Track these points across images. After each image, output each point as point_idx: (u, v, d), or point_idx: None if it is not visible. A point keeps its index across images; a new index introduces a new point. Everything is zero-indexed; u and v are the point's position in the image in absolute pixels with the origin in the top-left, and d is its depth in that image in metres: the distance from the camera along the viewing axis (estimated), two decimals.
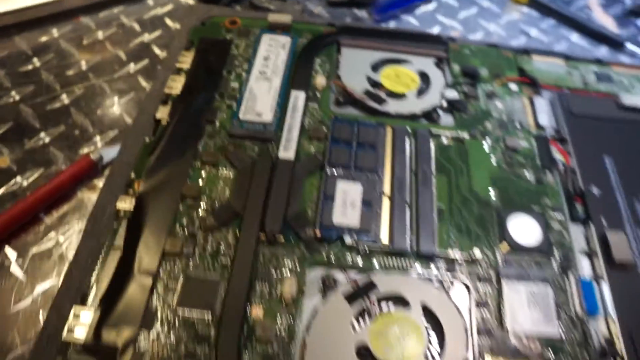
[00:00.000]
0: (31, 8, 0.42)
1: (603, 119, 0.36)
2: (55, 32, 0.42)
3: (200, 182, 0.30)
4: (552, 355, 0.26)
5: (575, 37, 0.47)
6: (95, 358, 0.24)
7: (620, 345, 0.26)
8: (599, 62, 0.41)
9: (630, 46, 0.47)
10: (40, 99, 0.37)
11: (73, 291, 0.26)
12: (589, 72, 0.40)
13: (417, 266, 0.28)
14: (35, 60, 0.40)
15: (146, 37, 0.42)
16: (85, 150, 0.34)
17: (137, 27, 0.43)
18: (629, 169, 0.33)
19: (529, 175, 0.32)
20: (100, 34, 0.42)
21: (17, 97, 0.37)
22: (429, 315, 0.26)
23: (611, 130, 0.36)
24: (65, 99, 0.37)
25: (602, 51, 0.46)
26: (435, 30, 0.46)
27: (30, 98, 0.37)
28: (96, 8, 0.44)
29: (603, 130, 0.35)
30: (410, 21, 0.46)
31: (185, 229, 0.28)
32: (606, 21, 0.49)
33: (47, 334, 0.25)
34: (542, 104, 0.36)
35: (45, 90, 0.38)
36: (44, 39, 0.41)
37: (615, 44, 0.47)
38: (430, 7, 0.48)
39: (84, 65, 0.40)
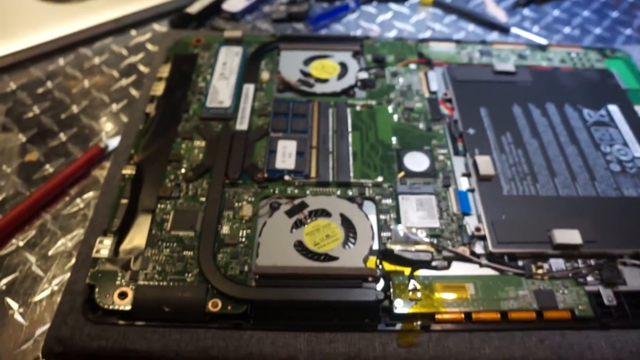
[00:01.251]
0: (41, 45, 0.53)
1: (480, 82, 0.48)
2: (61, 61, 0.54)
3: (181, 151, 0.41)
4: (435, 240, 0.37)
5: (471, 27, 0.59)
6: (115, 266, 0.35)
7: (484, 231, 0.37)
8: (483, 42, 0.53)
9: (515, 30, 0.59)
10: (56, 110, 0.49)
11: (97, 230, 0.37)
12: (474, 51, 0.52)
13: (338, 192, 0.39)
14: (48, 83, 0.51)
15: (132, 58, 0.54)
16: (94, 143, 0.46)
17: (124, 52, 0.55)
18: (498, 114, 0.45)
19: (421, 125, 0.44)
20: (97, 60, 0.54)
21: (38, 111, 0.49)
22: (346, 221, 0.37)
23: (486, 89, 0.47)
24: (75, 109, 0.49)
25: (493, 36, 0.58)
26: (357, 33, 0.58)
27: (48, 111, 0.49)
28: (92, 40, 0.56)
29: (480, 90, 0.47)
30: (338, 28, 0.58)
31: (173, 182, 0.39)
32: (497, 12, 0.61)
33: (81, 259, 0.36)
34: (434, 76, 0.48)
35: (59, 104, 0.49)
36: (53, 67, 0.53)
37: (503, 29, 0.59)
38: (354, 15, 0.60)
39: (86, 84, 0.51)
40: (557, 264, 0.36)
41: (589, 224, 0.37)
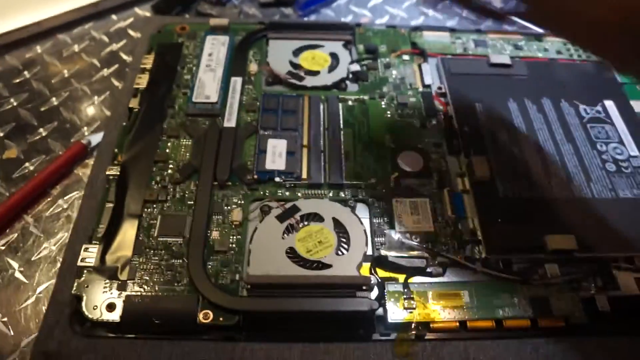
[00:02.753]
0: (16, 30, 0.51)
1: (476, 75, 0.47)
2: (38, 48, 0.51)
3: (167, 150, 0.40)
4: (430, 245, 0.36)
5: (465, 13, 0.58)
6: (102, 275, 0.34)
7: (480, 236, 0.37)
8: (478, 31, 0.52)
9: (510, 17, 0.57)
10: (34, 103, 0.47)
11: (81, 236, 0.36)
12: (469, 41, 0.51)
13: (330, 194, 0.38)
14: (25, 73, 0.49)
15: (114, 46, 0.52)
16: (76, 138, 0.44)
17: (105, 38, 0.53)
18: (493, 111, 0.44)
19: (415, 122, 0.43)
20: (76, 47, 0.52)
21: (15, 103, 0.47)
22: (339, 225, 0.36)
23: (482, 83, 0.46)
24: (54, 101, 0.47)
25: (488, 23, 0.57)
26: (348, 19, 0.56)
27: (26, 103, 0.47)
28: (70, 26, 0.53)
29: (475, 84, 0.46)
30: (328, 13, 0.56)
31: (159, 184, 0.38)
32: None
33: (65, 266, 0.35)
34: (428, 68, 0.47)
35: (37, 95, 0.47)
36: (30, 55, 0.51)
37: (498, 16, 0.58)
38: (343, 0, 0.58)
39: (66, 73, 0.49)
40: (552, 269, 0.35)
41: (584, 228, 0.36)
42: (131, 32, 0.53)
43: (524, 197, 0.38)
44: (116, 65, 0.50)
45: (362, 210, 0.38)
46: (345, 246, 0.35)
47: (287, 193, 0.38)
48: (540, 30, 0.55)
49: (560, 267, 0.35)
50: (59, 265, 0.36)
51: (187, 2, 0.55)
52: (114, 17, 0.55)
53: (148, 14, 0.55)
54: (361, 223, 0.36)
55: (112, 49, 0.52)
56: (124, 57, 0.51)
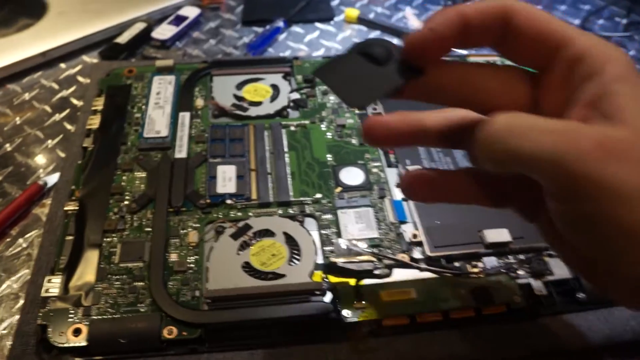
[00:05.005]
0: None
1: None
2: None
3: (123, 182, 0.42)
4: (376, 249, 0.39)
5: (395, 41, 0.62)
6: (67, 303, 0.35)
7: (421, 237, 0.40)
8: None
9: None
10: None
11: (43, 269, 0.38)
12: None
13: (280, 211, 0.41)
14: None
15: (64, 92, 0.54)
16: (32, 181, 0.46)
17: (55, 85, 0.55)
18: None
19: (354, 141, 0.47)
20: (27, 95, 0.54)
21: None
22: (289, 238, 0.39)
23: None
24: (8, 147, 0.49)
25: None
26: (287, 53, 0.60)
27: None
28: (19, 76, 0.55)
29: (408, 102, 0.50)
30: (270, 50, 0.60)
31: (117, 214, 0.40)
32: (419, 26, 0.65)
33: (29, 299, 0.36)
34: None
35: None
36: None
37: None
38: (282, 36, 0.62)
39: (18, 121, 0.51)
40: (490, 261, 0.39)
41: (516, 221, 0.40)
42: (80, 79, 0.56)
43: None
44: (68, 110, 0.52)
45: (311, 224, 0.41)
46: (297, 257, 0.38)
47: (239, 213, 0.41)
48: (464, 52, 0.60)
49: (497, 259, 0.39)
50: (21, 302, 0.37)
51: (133, 48, 0.58)
52: (62, 65, 0.57)
53: (95, 61, 0.58)
54: (310, 235, 0.39)
55: (62, 95, 0.54)
56: (75, 102, 0.53)
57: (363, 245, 0.39)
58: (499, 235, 0.39)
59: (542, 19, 0.23)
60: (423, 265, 0.38)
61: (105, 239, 0.39)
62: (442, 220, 0.40)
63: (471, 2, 0.23)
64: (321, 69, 0.25)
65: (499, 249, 0.39)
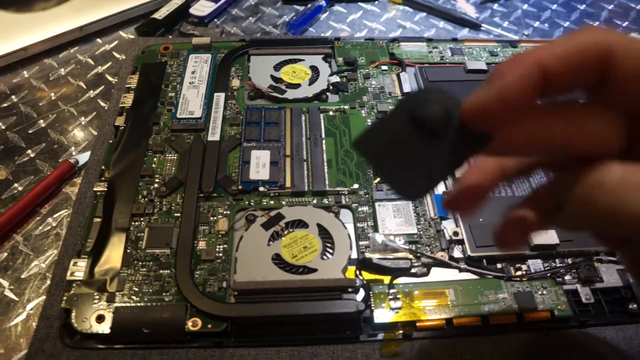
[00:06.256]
0: (2, 57, 0.52)
1: (453, 82, 0.48)
2: (25, 73, 0.52)
3: (153, 165, 0.41)
4: (413, 246, 0.37)
5: (442, 24, 0.59)
6: (91, 288, 0.34)
7: (462, 235, 0.38)
8: (454, 40, 0.53)
9: (485, 26, 0.59)
10: (22, 125, 0.48)
11: (70, 251, 0.37)
12: (445, 49, 0.52)
13: (314, 201, 0.39)
14: (13, 97, 0.50)
15: (100, 68, 0.53)
16: (64, 158, 0.45)
17: (91, 61, 0.54)
18: None
19: None
20: (62, 71, 0.53)
21: (3, 127, 0.48)
22: (323, 230, 0.37)
23: (459, 88, 0.47)
24: (42, 123, 0.48)
25: (464, 32, 0.58)
26: (329, 33, 0.57)
27: (14, 126, 0.48)
28: (56, 50, 0.54)
29: (453, 89, 0.47)
30: (310, 30, 0.58)
31: (146, 197, 0.39)
32: (467, 8, 0.62)
33: (55, 282, 0.35)
34: (406, 77, 0.48)
35: (25, 118, 0.48)
36: (17, 79, 0.52)
37: (474, 25, 0.59)
38: (323, 15, 0.60)
39: (53, 96, 0.50)
40: (536, 264, 0.36)
41: None
42: (116, 54, 0.55)
43: (505, 195, 0.39)
44: (102, 87, 0.51)
45: (346, 216, 0.39)
46: (330, 250, 0.36)
47: (272, 202, 0.39)
48: (514, 37, 0.56)
49: (543, 262, 0.36)
50: (48, 282, 0.36)
51: (170, 24, 0.57)
52: (98, 40, 0.56)
53: (132, 36, 0.56)
54: (345, 227, 0.37)
55: (97, 71, 0.53)
56: (110, 78, 0.52)
57: (400, 242, 0.37)
58: (546, 237, 0.36)
59: None
60: (463, 265, 0.36)
61: (133, 223, 0.37)
62: (486, 218, 0.38)
63: (553, 43, 0.18)
64: (363, 139, 0.20)
65: (545, 251, 0.37)
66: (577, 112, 0.19)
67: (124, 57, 0.52)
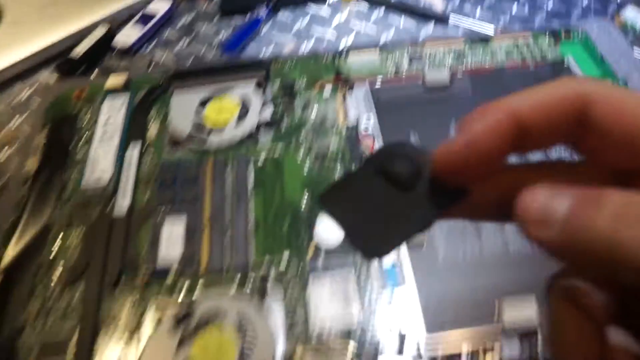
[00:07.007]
0: None
1: (409, 102, 0.40)
2: None
3: (53, 249, 0.34)
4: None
5: (402, 22, 0.51)
6: None
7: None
8: (413, 44, 0.45)
9: (453, 17, 0.50)
10: None
11: None
12: (402, 57, 0.44)
13: (236, 278, 0.32)
14: None
15: (18, 120, 0.47)
16: None
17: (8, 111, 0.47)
18: (432, 140, 0.37)
19: (340, 170, 0.37)
20: None
21: None
22: (242, 325, 0.30)
23: (417, 109, 0.40)
24: None
25: (429, 29, 0.50)
26: (270, 48, 0.50)
27: None
28: None
29: (409, 111, 0.40)
30: (251, 45, 0.50)
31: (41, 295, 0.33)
32: (433, 0, 0.53)
33: None
34: (354, 100, 0.41)
35: None
36: None
37: (440, 19, 0.51)
38: (266, 27, 0.52)
39: None
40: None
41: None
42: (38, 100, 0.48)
43: (471, 255, 0.32)
44: (16, 144, 0.45)
45: (274, 294, 0.32)
46: (252, 347, 0.30)
47: (186, 286, 0.32)
48: (490, 30, 0.48)
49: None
50: None
51: (95, 58, 0.50)
52: (16, 86, 0.49)
53: (54, 77, 0.49)
54: (271, 317, 0.31)
55: (16, 124, 0.46)
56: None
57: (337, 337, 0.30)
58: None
59: (630, 113, 0.16)
60: None
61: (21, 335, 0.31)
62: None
63: (526, 92, 0.16)
64: (327, 195, 0.18)
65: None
66: (563, 166, 0.18)
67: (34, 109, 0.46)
